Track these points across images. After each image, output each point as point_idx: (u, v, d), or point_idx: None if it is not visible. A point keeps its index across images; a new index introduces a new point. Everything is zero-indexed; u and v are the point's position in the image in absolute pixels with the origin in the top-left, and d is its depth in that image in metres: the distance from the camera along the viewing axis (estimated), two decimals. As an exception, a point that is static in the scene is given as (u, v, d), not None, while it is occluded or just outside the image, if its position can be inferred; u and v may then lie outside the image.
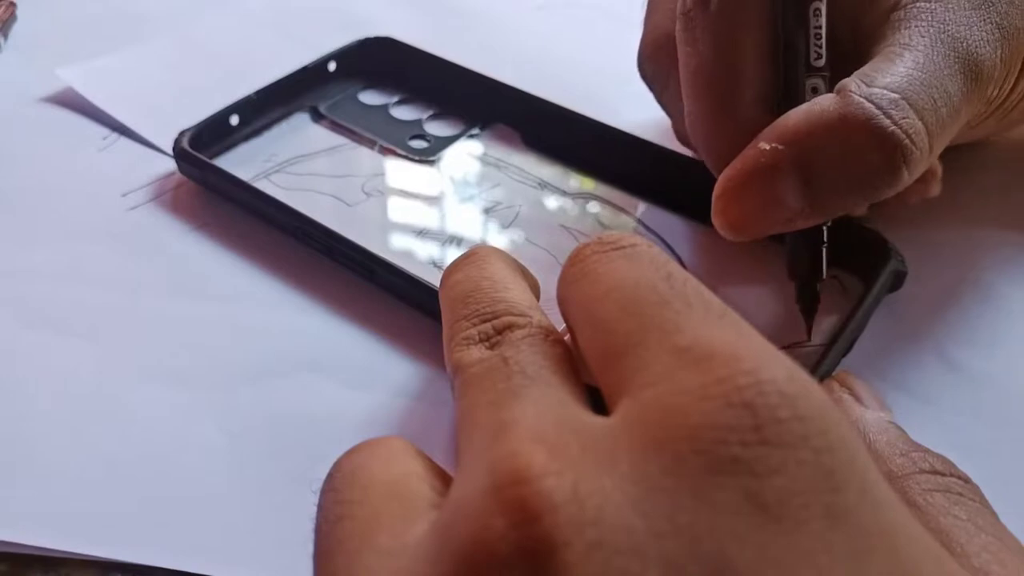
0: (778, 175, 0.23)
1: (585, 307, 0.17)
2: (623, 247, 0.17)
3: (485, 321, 0.19)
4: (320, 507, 0.16)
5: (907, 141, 0.22)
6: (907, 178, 0.23)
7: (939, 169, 0.28)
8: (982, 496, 0.19)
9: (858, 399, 0.22)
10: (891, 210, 0.27)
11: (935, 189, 0.28)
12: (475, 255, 0.22)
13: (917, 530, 0.13)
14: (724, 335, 0.15)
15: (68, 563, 0.21)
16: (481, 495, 0.13)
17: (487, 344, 0.18)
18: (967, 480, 0.19)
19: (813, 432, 0.13)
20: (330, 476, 0.17)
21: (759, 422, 0.13)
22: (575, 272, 0.18)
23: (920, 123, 0.22)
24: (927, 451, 0.20)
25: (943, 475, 0.19)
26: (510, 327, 0.18)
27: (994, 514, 0.18)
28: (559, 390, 0.16)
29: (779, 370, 0.14)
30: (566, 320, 0.19)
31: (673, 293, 0.16)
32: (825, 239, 0.25)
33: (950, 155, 0.26)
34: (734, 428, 0.13)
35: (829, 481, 0.13)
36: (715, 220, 0.24)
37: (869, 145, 0.22)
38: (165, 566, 0.21)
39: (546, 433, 0.14)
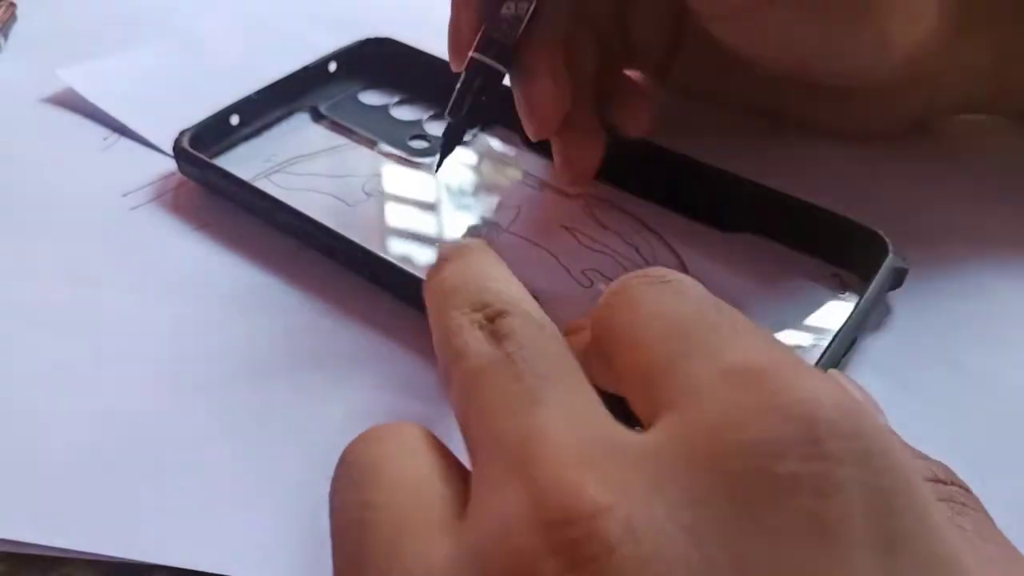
0: None
1: (627, 330, 0.17)
2: (669, 281, 0.17)
3: (476, 310, 0.18)
4: (342, 503, 0.16)
5: None
6: None
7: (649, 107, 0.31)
8: (982, 506, 0.18)
9: None
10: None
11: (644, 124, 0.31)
12: (459, 251, 0.21)
13: (969, 561, 0.13)
14: (773, 355, 0.14)
15: (67, 563, 0.21)
16: (525, 531, 0.13)
17: (483, 332, 0.17)
18: (968, 489, 0.18)
19: (875, 451, 0.13)
20: (348, 464, 0.16)
21: (819, 435, 0.12)
22: (618, 300, 0.17)
23: None
24: (927, 458, 0.19)
25: (945, 484, 0.18)
26: (502, 314, 0.18)
27: (993, 523, 0.18)
28: (576, 393, 0.16)
29: (832, 388, 0.13)
30: (602, 347, 0.18)
31: (721, 319, 0.16)
32: (490, 91, 0.28)
33: (951, 153, 0.26)
34: (793, 442, 0.12)
35: (891, 503, 0.12)
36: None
37: None
38: (165, 564, 0.21)
39: (586, 454, 0.14)
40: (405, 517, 0.15)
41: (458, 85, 0.29)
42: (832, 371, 0.23)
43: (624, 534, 0.12)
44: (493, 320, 0.18)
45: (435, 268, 0.21)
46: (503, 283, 0.19)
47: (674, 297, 0.17)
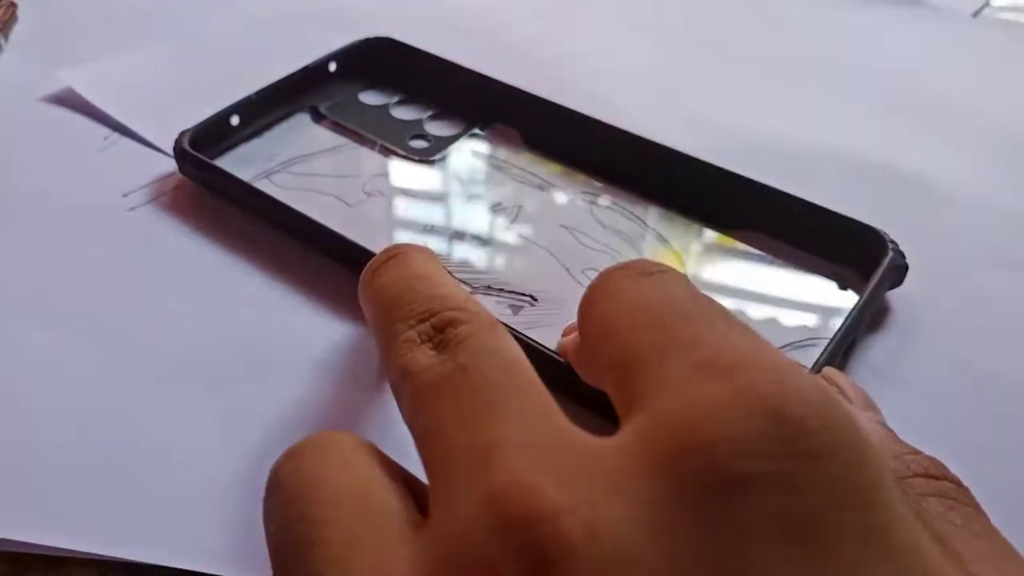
0: None
1: (607, 322, 0.17)
2: (651, 272, 0.17)
3: (423, 320, 0.18)
4: (280, 524, 0.15)
5: None
6: None
7: None
8: (975, 500, 0.18)
9: (846, 397, 0.21)
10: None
11: None
12: (397, 255, 0.20)
13: (938, 551, 0.13)
14: (746, 347, 0.14)
15: (68, 562, 0.21)
16: (486, 534, 0.13)
17: (431, 345, 0.17)
18: (959, 484, 0.18)
19: (844, 444, 0.12)
20: (280, 484, 0.16)
21: (786, 433, 0.12)
22: (599, 294, 0.17)
23: None
24: (919, 453, 0.19)
25: (937, 479, 0.18)
26: (452, 323, 0.17)
27: (987, 518, 0.17)
28: (533, 399, 0.15)
29: (805, 380, 0.13)
30: (585, 338, 0.18)
31: (698, 310, 0.15)
32: None
33: (952, 151, 0.26)
34: (759, 440, 0.12)
35: (862, 497, 0.12)
36: None
37: None
38: (165, 565, 0.21)
39: (545, 458, 0.13)
40: (355, 530, 0.14)
41: None
42: (828, 369, 0.23)
43: (585, 536, 0.12)
44: (443, 329, 0.17)
45: (372, 273, 0.20)
46: (446, 285, 0.19)
47: (653, 289, 0.16)
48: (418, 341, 0.17)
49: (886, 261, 0.26)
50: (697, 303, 0.16)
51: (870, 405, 0.21)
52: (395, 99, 0.36)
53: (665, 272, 0.17)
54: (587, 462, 0.13)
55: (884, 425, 0.20)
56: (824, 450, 0.12)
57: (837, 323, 0.25)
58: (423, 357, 0.17)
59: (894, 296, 0.27)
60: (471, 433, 0.15)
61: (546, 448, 0.14)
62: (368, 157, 0.33)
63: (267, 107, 0.34)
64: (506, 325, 0.24)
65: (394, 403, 0.25)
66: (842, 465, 0.12)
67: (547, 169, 0.33)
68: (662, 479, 0.12)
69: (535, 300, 0.27)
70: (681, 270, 0.28)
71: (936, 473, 0.18)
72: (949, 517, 0.17)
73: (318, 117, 0.35)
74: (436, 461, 0.15)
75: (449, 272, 0.20)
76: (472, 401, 0.15)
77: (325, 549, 0.14)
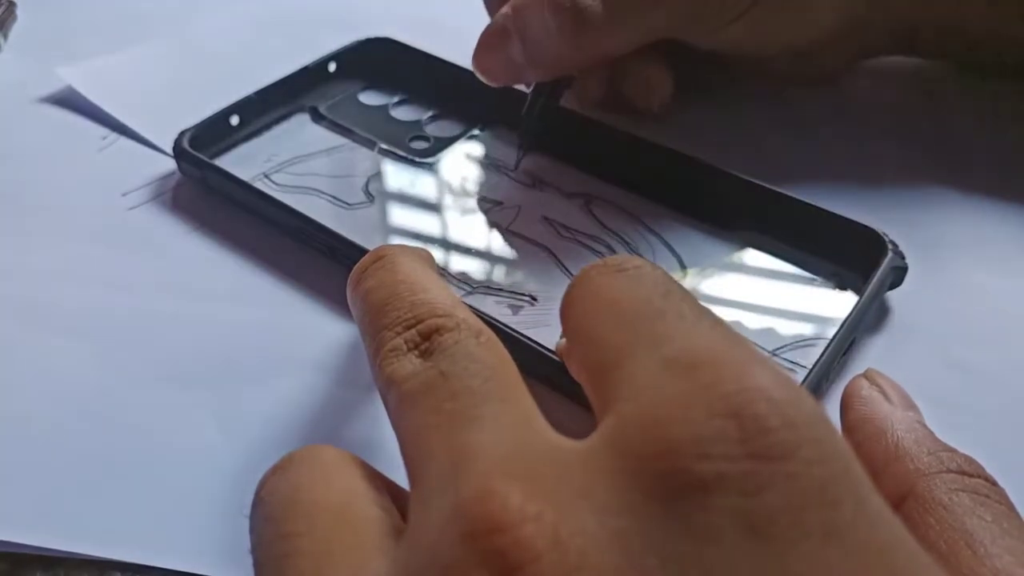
0: (507, 36, 0.30)
1: (582, 323, 0.17)
2: (627, 269, 0.17)
3: (409, 327, 0.18)
4: (259, 540, 0.15)
5: (573, 8, 0.28)
6: (574, 42, 0.29)
7: (665, 83, 0.34)
8: (1009, 500, 0.18)
9: (887, 397, 0.22)
10: (634, 115, 0.34)
11: (656, 99, 0.34)
12: (384, 258, 0.20)
13: (914, 547, 0.13)
14: (713, 343, 0.14)
15: (67, 563, 0.21)
16: (453, 543, 0.13)
17: (417, 352, 0.17)
18: (994, 483, 0.18)
19: (805, 441, 0.12)
20: (262, 501, 0.16)
21: (746, 434, 0.12)
22: (578, 293, 0.17)
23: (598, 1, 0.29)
24: (955, 451, 0.19)
25: (970, 476, 0.18)
26: (438, 330, 0.17)
27: (1019, 518, 0.18)
28: (511, 405, 0.15)
29: (767, 376, 0.13)
30: (567, 338, 0.18)
31: (668, 306, 0.15)
32: (549, 98, 0.32)
33: (952, 152, 0.26)
34: (718, 440, 0.12)
35: (823, 495, 0.12)
36: (473, 66, 0.31)
37: (551, 12, 0.29)
38: (164, 566, 0.21)
39: (514, 465, 0.14)
40: (329, 541, 0.14)
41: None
42: (869, 369, 0.23)
43: (551, 543, 0.12)
44: (429, 337, 0.17)
45: (359, 276, 0.20)
46: (433, 291, 0.19)
47: (628, 285, 0.16)
48: (404, 349, 0.17)
49: (886, 262, 0.26)
50: (669, 298, 0.16)
51: (911, 405, 0.22)
52: (395, 99, 0.36)
53: (640, 267, 0.17)
54: (558, 468, 0.13)
55: (923, 425, 0.21)
56: (784, 448, 0.12)
57: (837, 323, 0.25)
58: (408, 365, 0.17)
59: (894, 296, 0.27)
60: (446, 440, 0.15)
61: (519, 455, 0.14)
62: (368, 157, 0.33)
63: (267, 107, 0.34)
64: (505, 325, 0.24)
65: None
66: (803, 463, 0.12)
67: (547, 169, 0.33)
68: (627, 484, 0.13)
69: (535, 300, 0.27)
70: (680, 270, 0.28)
71: (970, 470, 0.18)
72: (979, 512, 0.17)
73: (318, 117, 0.35)
74: (415, 468, 0.15)
75: (445, 272, 0.20)
76: (449, 408, 0.15)
77: (299, 560, 0.14)
